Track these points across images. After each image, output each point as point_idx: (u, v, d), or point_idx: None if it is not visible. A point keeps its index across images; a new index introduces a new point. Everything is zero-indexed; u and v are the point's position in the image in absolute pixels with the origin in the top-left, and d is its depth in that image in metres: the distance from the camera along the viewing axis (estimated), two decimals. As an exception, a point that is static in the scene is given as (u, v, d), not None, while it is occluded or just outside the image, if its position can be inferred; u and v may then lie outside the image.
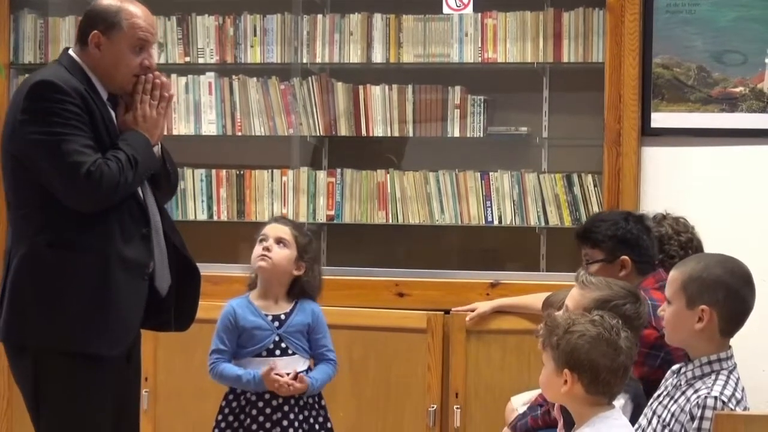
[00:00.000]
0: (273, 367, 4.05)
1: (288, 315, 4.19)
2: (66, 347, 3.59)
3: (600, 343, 3.02)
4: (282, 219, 4.35)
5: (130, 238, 3.65)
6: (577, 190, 5.20)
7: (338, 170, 5.46)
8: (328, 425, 4.21)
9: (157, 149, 3.80)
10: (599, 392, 3.03)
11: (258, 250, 4.18)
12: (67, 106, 3.55)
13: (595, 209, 5.12)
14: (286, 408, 4.08)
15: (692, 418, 3.10)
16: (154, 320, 3.83)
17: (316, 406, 4.18)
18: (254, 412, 4.07)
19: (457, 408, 4.94)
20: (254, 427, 4.07)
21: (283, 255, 4.18)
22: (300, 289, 4.24)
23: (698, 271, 3.25)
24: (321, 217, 5.46)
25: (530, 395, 4.34)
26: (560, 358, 3.04)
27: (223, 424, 4.12)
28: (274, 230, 4.21)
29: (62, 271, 3.58)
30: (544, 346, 3.10)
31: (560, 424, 3.56)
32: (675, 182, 5.01)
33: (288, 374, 4.06)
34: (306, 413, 4.14)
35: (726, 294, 3.22)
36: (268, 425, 4.06)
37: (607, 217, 4.29)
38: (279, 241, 4.18)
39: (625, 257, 4.13)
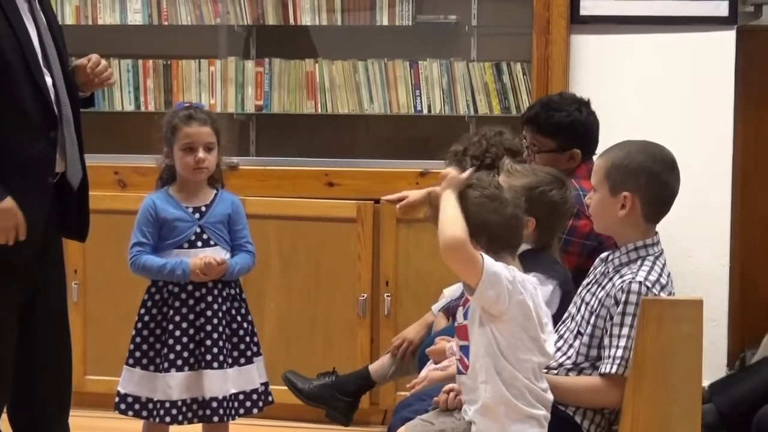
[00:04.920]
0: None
1: (208, 206, 4.11)
2: None
3: (484, 203, 3.01)
4: (200, 117, 4.10)
5: (33, 142, 3.59)
6: (506, 78, 5.20)
7: (266, 60, 5.41)
8: (249, 318, 4.16)
9: None
10: (500, 248, 3.01)
11: (190, 161, 4.04)
12: None
13: (525, 98, 5.13)
14: (209, 299, 4.04)
15: (617, 303, 3.14)
16: (67, 222, 3.82)
17: (238, 297, 4.14)
18: (177, 303, 4.03)
19: (387, 296, 4.98)
20: (177, 318, 4.02)
21: (214, 159, 4.09)
22: (219, 176, 4.18)
23: (620, 158, 3.26)
24: (249, 108, 5.42)
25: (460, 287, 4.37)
26: None
27: (146, 318, 4.06)
28: (199, 136, 4.05)
29: None
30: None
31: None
32: (603, 70, 5.02)
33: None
34: (228, 304, 4.10)
35: (647, 179, 3.22)
36: (191, 317, 4.02)
37: (561, 106, 4.11)
38: (207, 147, 4.07)
39: (577, 150, 4.07)
